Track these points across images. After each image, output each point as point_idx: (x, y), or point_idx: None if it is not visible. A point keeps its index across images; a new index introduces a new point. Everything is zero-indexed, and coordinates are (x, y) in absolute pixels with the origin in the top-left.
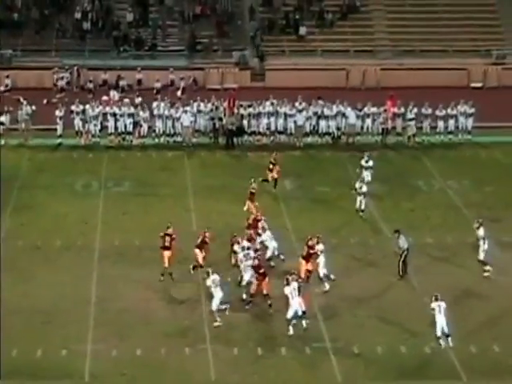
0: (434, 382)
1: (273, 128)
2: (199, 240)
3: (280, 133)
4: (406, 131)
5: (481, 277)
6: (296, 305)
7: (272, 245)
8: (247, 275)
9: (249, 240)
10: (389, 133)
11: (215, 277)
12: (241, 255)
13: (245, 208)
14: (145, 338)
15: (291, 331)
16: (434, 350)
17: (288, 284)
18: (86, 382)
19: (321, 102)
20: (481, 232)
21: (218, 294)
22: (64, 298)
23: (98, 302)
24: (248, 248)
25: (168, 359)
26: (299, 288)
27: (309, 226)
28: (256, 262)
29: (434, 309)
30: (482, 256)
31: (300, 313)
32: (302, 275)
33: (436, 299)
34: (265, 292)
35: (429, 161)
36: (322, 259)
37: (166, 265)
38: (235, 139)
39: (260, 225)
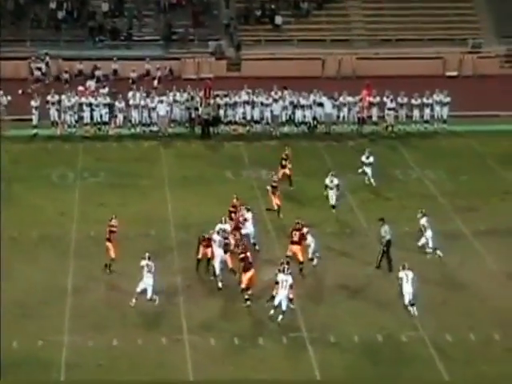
0: (410, 370)
1: (249, 117)
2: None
3: (256, 122)
4: (384, 120)
5: (457, 266)
6: (282, 296)
7: (250, 229)
8: (217, 263)
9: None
10: (365, 122)
11: (150, 263)
12: (215, 236)
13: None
14: (121, 329)
15: (272, 312)
16: (411, 338)
17: (283, 272)
18: (62, 372)
19: (287, 91)
20: (423, 221)
21: (147, 279)
22: (40, 290)
23: (75, 293)
24: (224, 232)
25: (144, 350)
26: (291, 284)
27: (285, 216)
28: (242, 254)
29: (401, 278)
30: (431, 243)
31: (284, 307)
32: (301, 258)
33: (403, 268)
34: (243, 286)
35: (405, 150)
36: (310, 238)
37: (113, 256)
38: (211, 129)
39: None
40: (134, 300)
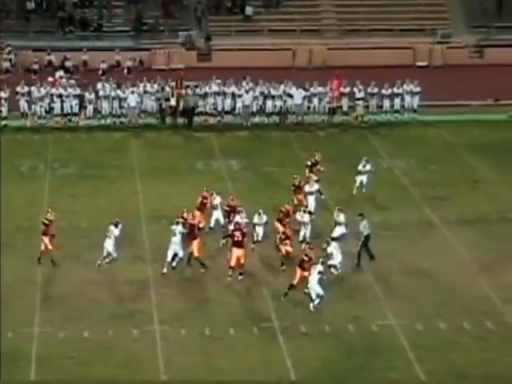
0: (381, 359)
1: (219, 108)
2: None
3: (227, 113)
4: (355, 110)
5: (427, 255)
6: (313, 282)
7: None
8: (170, 251)
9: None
10: (335, 112)
11: (113, 229)
12: (173, 227)
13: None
14: (92, 320)
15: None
16: (381, 327)
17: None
18: (32, 364)
19: (245, 81)
20: (341, 218)
21: (105, 243)
22: (10, 281)
23: (45, 284)
24: (179, 223)
25: (115, 341)
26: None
27: (256, 206)
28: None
29: (332, 253)
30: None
31: (321, 292)
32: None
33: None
34: (231, 264)
35: (375, 140)
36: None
37: (50, 247)
38: (183, 119)
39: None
40: (98, 262)
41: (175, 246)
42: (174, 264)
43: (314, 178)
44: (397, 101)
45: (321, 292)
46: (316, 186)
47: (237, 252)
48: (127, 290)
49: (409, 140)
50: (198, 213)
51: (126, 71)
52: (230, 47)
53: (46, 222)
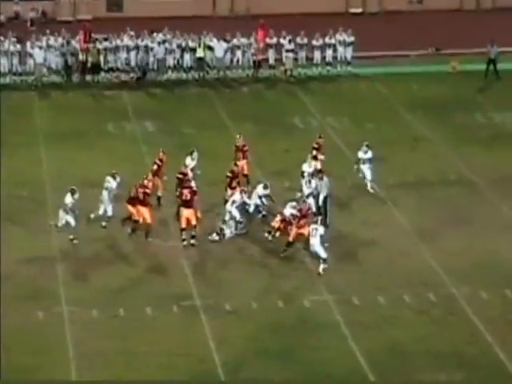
0: (314, 337)
1: (132, 63)
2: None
3: (140, 68)
4: (282, 64)
5: (364, 222)
6: (316, 244)
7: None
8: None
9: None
10: (260, 66)
11: (69, 198)
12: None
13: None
14: None
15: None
16: (314, 303)
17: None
18: None
19: (161, 33)
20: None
21: (61, 213)
22: None
23: None
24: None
25: (20, 324)
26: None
27: (174, 173)
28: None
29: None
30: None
31: (323, 255)
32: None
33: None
34: (182, 225)
35: (305, 95)
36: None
37: None
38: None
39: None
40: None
41: (105, 201)
42: (95, 214)
43: (314, 163)
44: (329, 52)
45: (323, 255)
46: (312, 168)
47: (185, 212)
48: (31, 268)
49: (342, 95)
50: (153, 178)
51: (29, 24)
52: None
53: None
